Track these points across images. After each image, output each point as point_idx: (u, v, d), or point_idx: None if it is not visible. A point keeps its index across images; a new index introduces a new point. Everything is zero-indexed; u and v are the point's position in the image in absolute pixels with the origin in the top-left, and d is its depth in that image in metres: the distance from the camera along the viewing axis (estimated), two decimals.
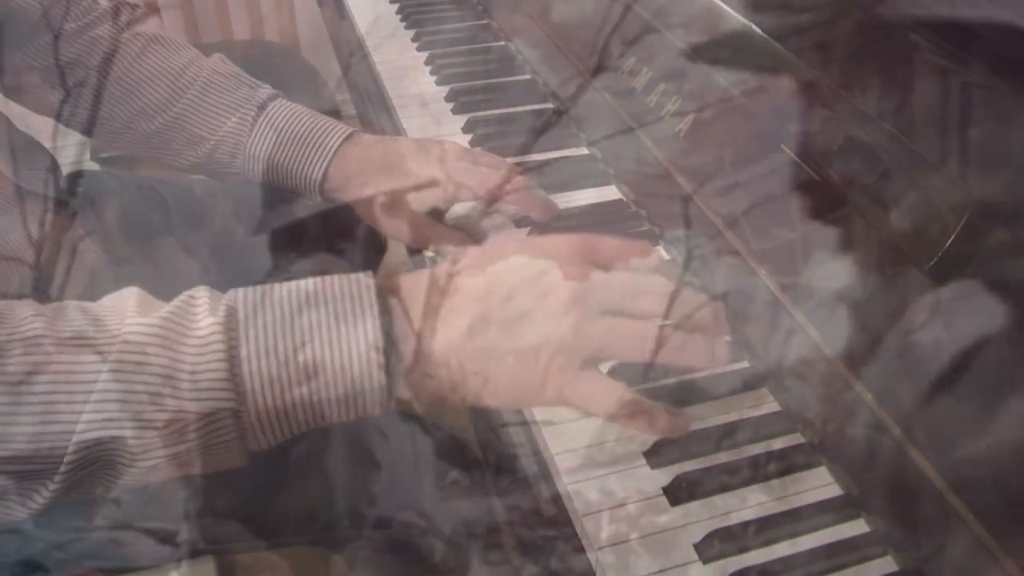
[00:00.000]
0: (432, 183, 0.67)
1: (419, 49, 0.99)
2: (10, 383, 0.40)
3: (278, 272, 0.85)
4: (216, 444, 0.44)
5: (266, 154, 0.71)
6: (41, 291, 0.64)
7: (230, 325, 0.43)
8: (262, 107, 0.72)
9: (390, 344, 0.44)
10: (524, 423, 0.57)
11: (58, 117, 0.75)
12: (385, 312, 0.44)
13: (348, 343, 0.43)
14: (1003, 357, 0.44)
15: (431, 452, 0.73)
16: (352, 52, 1.02)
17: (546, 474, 0.54)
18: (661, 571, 0.47)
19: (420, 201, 0.68)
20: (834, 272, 0.54)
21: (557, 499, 0.52)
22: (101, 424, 0.41)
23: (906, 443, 0.47)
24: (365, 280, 0.46)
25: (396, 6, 1.09)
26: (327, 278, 0.46)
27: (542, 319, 0.45)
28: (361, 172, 0.70)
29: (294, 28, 1.75)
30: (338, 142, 0.70)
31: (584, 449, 0.53)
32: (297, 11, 1.74)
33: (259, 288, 0.45)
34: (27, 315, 0.42)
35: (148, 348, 0.42)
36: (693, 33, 0.71)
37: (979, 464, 0.44)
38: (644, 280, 0.48)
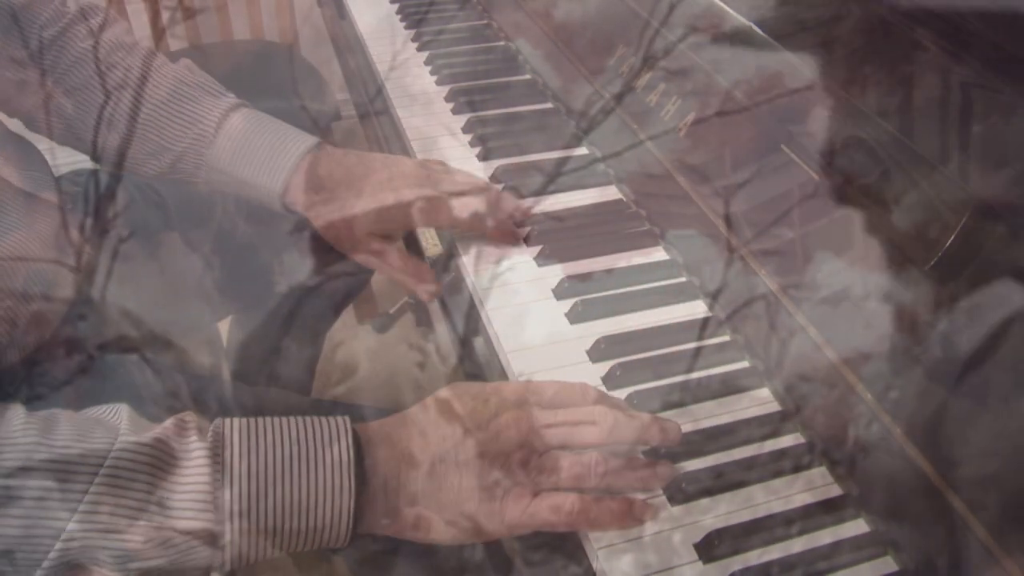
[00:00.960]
0: (396, 206, 0.66)
1: (419, 49, 0.99)
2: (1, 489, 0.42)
3: (279, 271, 0.85)
4: (189, 561, 0.46)
5: (227, 166, 0.70)
6: (44, 289, 0.64)
7: (216, 450, 0.46)
8: (224, 117, 0.70)
9: (360, 487, 0.48)
10: None
11: (28, 123, 0.74)
12: (358, 456, 0.48)
13: (321, 483, 0.47)
14: (1003, 357, 0.44)
15: None
16: (352, 52, 1.02)
17: None
18: (661, 571, 0.47)
19: (383, 222, 0.67)
20: (834, 272, 0.54)
21: None
22: (84, 535, 0.43)
23: (906, 443, 0.47)
24: (343, 425, 0.49)
25: (396, 6, 1.09)
26: (309, 419, 0.50)
27: (494, 459, 0.49)
28: (323, 186, 0.68)
29: (294, 28, 1.75)
30: (300, 153, 0.68)
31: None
32: (297, 11, 1.74)
33: (245, 420, 0.48)
34: (19, 423, 0.45)
35: (139, 466, 0.44)
36: (693, 33, 0.71)
37: (979, 464, 0.44)
38: (583, 415, 0.51)
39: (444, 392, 0.53)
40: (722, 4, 0.69)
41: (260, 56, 1.68)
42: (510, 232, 0.69)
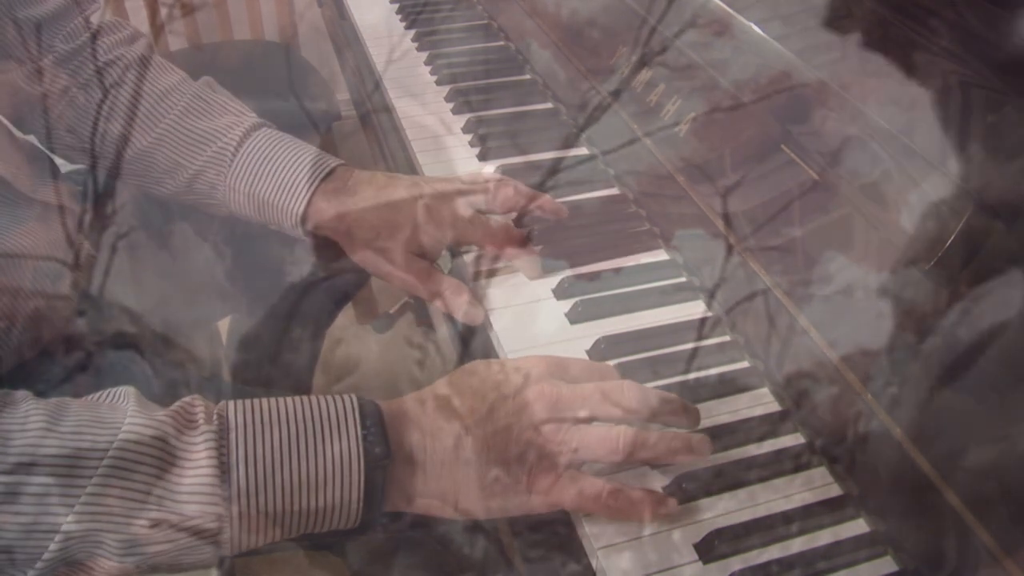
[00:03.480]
0: (423, 231, 0.64)
1: (419, 49, 0.99)
2: (7, 473, 0.42)
3: (278, 270, 0.85)
4: (196, 546, 0.45)
5: (246, 186, 0.68)
6: (48, 287, 0.64)
7: (222, 434, 0.46)
8: (245, 136, 0.69)
9: (370, 463, 0.47)
10: None
11: (43, 140, 0.73)
12: (366, 431, 0.47)
13: (329, 461, 0.46)
14: (1004, 357, 0.44)
15: None
16: (352, 52, 1.02)
17: None
18: (661, 571, 0.47)
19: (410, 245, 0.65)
20: (834, 272, 0.54)
21: None
22: (91, 518, 0.43)
23: (906, 443, 0.47)
24: (349, 402, 0.49)
25: (396, 6, 1.09)
26: (313, 397, 0.49)
27: (521, 432, 0.48)
28: (347, 210, 0.65)
29: (294, 28, 1.75)
30: (322, 175, 0.66)
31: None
32: (297, 11, 1.74)
33: (249, 402, 0.48)
34: (28, 408, 0.44)
35: (145, 453, 0.44)
36: (693, 33, 0.71)
37: (979, 463, 0.44)
38: (611, 387, 0.51)
39: (469, 366, 0.52)
40: (722, 4, 0.69)
41: (260, 56, 1.68)
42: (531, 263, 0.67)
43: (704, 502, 0.50)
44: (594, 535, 0.49)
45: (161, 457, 0.44)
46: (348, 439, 0.47)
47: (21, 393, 0.46)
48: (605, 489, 0.48)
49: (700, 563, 0.47)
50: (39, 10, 0.69)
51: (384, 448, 0.47)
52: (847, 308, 0.53)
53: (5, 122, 0.70)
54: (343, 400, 0.49)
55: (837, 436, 0.52)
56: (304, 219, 0.67)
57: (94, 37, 0.71)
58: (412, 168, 0.80)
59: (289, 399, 0.48)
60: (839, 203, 0.55)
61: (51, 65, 0.70)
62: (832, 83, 0.57)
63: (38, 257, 0.64)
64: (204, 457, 0.45)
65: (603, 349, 0.59)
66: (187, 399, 0.48)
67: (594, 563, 0.48)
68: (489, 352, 0.62)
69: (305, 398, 0.49)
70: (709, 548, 0.48)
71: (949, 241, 0.47)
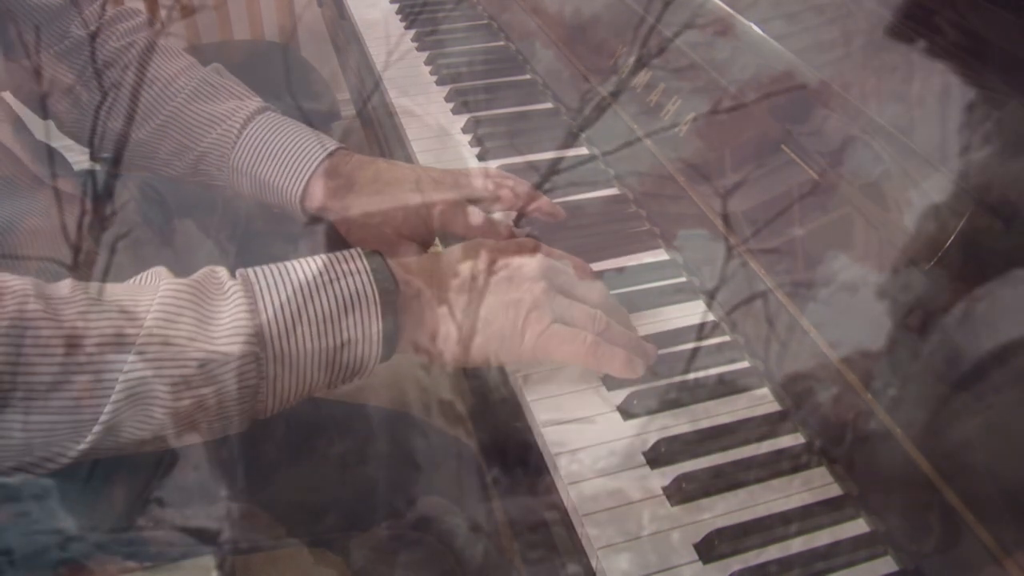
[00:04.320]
0: (417, 217, 0.66)
1: (419, 49, 0.99)
2: (68, 342, 0.45)
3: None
4: (238, 390, 0.49)
5: (249, 167, 0.70)
6: (51, 280, 0.65)
7: (248, 287, 0.50)
8: (249, 119, 0.71)
9: (388, 300, 0.51)
10: (527, 425, 0.57)
11: (60, 124, 0.76)
12: (375, 270, 0.52)
13: (346, 295, 0.50)
14: (1004, 357, 0.44)
15: (433, 453, 0.74)
16: (352, 52, 1.02)
17: (547, 475, 0.54)
18: (661, 571, 0.47)
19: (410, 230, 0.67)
20: (834, 272, 0.54)
21: (557, 500, 0.52)
22: (145, 365, 0.46)
23: (906, 442, 0.47)
24: (355, 251, 0.53)
25: (396, 6, 1.09)
26: (324, 255, 0.53)
27: (519, 282, 0.55)
28: (345, 192, 0.68)
29: (294, 28, 1.75)
30: (321, 157, 0.68)
31: (585, 450, 0.53)
32: (297, 11, 1.74)
33: (266, 267, 0.52)
34: (67, 286, 0.48)
35: (183, 302, 0.48)
36: (694, 33, 0.71)
37: (979, 463, 0.44)
38: (589, 284, 0.59)
39: (474, 241, 0.57)
40: (722, 4, 0.69)
41: (260, 56, 1.68)
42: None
43: (704, 502, 0.50)
44: (594, 535, 0.49)
45: (198, 307, 0.48)
46: (360, 277, 0.51)
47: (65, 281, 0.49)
48: (589, 339, 0.54)
49: (700, 563, 0.47)
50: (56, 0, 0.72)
51: (392, 283, 0.52)
52: (847, 308, 0.53)
53: (16, 111, 0.72)
54: (349, 252, 0.53)
55: (837, 436, 0.52)
56: (303, 200, 0.68)
57: (108, 24, 0.74)
58: None
59: (297, 261, 0.52)
60: (839, 203, 0.55)
61: (66, 51, 0.72)
62: (832, 83, 0.58)
63: (40, 258, 0.64)
64: (236, 304, 0.49)
65: None
66: (207, 268, 0.51)
67: (594, 563, 0.48)
68: None
69: (313, 257, 0.52)
70: (709, 548, 0.48)
71: (949, 241, 0.47)
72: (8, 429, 0.44)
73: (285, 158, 0.69)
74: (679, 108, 0.70)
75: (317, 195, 0.68)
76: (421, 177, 0.68)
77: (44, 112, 0.75)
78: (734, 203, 0.63)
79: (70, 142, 0.78)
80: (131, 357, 0.46)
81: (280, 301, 0.49)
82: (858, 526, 0.50)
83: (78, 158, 0.78)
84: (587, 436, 0.54)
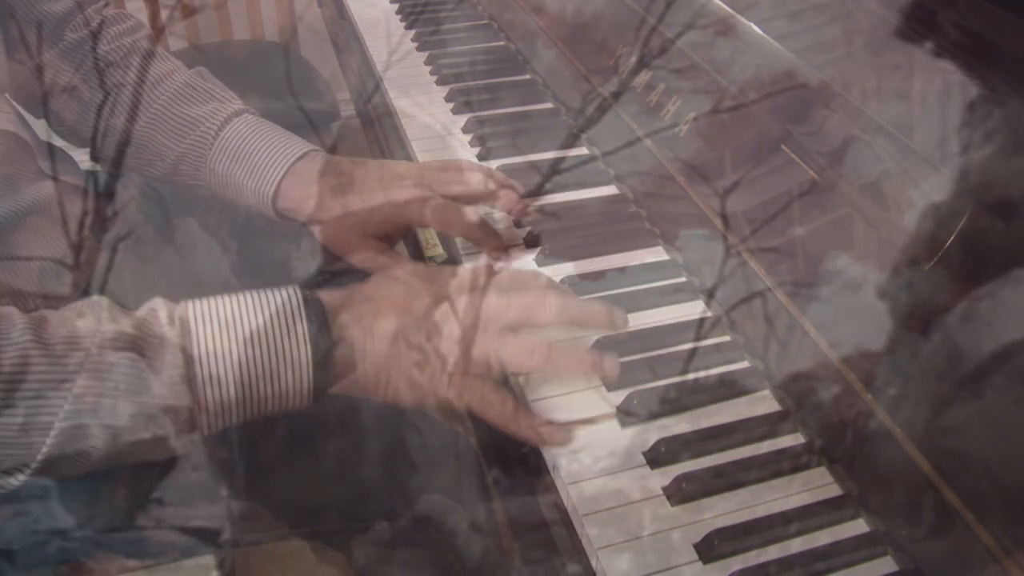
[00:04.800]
0: (387, 207, 0.67)
1: (419, 49, 0.99)
2: (5, 383, 0.47)
3: (276, 271, 0.85)
4: (170, 434, 0.50)
5: (224, 168, 0.71)
6: (52, 281, 0.66)
7: (185, 332, 0.50)
8: (226, 121, 0.72)
9: (319, 350, 0.52)
10: None
11: (52, 124, 0.77)
12: (313, 321, 0.52)
13: (282, 353, 0.51)
14: (1004, 356, 0.44)
15: (433, 453, 0.74)
16: (352, 52, 1.02)
17: (547, 475, 0.54)
18: (661, 571, 0.47)
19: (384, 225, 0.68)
20: (833, 272, 0.54)
21: (558, 500, 0.52)
22: (78, 414, 0.47)
23: (906, 442, 0.47)
24: (295, 293, 0.53)
25: (396, 6, 1.09)
26: (261, 293, 0.53)
27: (446, 337, 0.54)
28: (316, 192, 0.69)
29: (294, 28, 1.75)
30: (293, 158, 0.69)
31: (585, 450, 0.53)
32: (297, 11, 1.74)
33: (207, 300, 0.53)
34: (20, 324, 0.48)
35: (121, 351, 0.49)
36: (693, 33, 0.71)
37: (979, 463, 0.44)
38: (533, 303, 0.56)
39: (408, 266, 0.57)
40: (722, 4, 0.69)
41: (260, 56, 1.68)
42: (496, 245, 0.69)
43: (704, 502, 0.50)
44: (594, 535, 0.49)
45: (134, 356, 0.49)
46: (297, 335, 0.52)
47: (7, 310, 0.50)
48: (503, 400, 0.54)
49: (700, 563, 0.47)
50: (57, 6, 0.73)
51: (327, 340, 0.52)
52: (847, 308, 0.53)
53: (19, 110, 0.72)
54: (290, 297, 0.53)
55: (837, 436, 0.52)
56: (275, 201, 0.70)
57: (100, 27, 0.75)
58: None
59: (241, 293, 0.53)
60: (839, 203, 0.55)
61: (62, 54, 0.74)
62: (832, 83, 0.58)
63: (43, 258, 0.65)
64: (171, 355, 0.50)
65: (603, 349, 0.59)
66: (150, 304, 0.52)
67: (594, 563, 0.48)
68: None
69: (252, 294, 0.53)
70: (709, 548, 0.48)
71: (949, 241, 0.47)
72: None
73: (258, 161, 0.70)
74: (679, 108, 0.70)
75: (286, 197, 0.70)
76: (386, 174, 0.69)
77: (42, 112, 0.76)
78: (734, 203, 0.63)
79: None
80: (67, 406, 0.47)
81: (217, 351, 0.51)
82: (858, 526, 0.50)
83: (80, 157, 0.79)
84: (587, 436, 0.54)
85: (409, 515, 0.71)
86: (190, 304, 0.52)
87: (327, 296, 0.54)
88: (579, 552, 0.50)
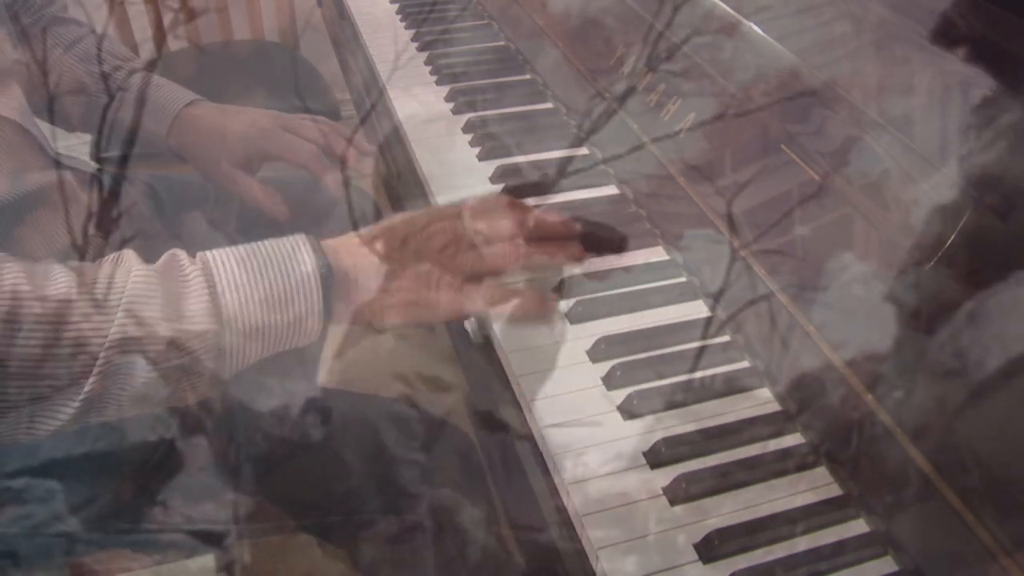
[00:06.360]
0: (241, 144, 0.81)
1: (419, 49, 0.99)
2: (54, 312, 0.51)
3: None
4: (201, 360, 0.54)
5: (149, 123, 0.83)
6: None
7: (207, 270, 0.56)
8: (128, 75, 0.83)
9: (326, 283, 0.57)
10: (526, 424, 0.57)
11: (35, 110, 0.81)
12: (316, 250, 0.58)
13: (294, 281, 0.56)
14: (1004, 357, 0.44)
15: (437, 449, 0.74)
16: (352, 52, 1.02)
17: (547, 475, 0.54)
18: (661, 571, 0.47)
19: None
20: (834, 272, 0.54)
21: (558, 500, 0.52)
22: (120, 343, 0.51)
23: (906, 442, 0.47)
24: (300, 235, 0.59)
25: (396, 6, 1.09)
26: (272, 241, 0.59)
27: (428, 255, 0.60)
28: (195, 130, 0.82)
29: (294, 28, 1.75)
30: (181, 104, 0.83)
31: (585, 450, 0.53)
32: (297, 11, 1.74)
33: (223, 251, 0.58)
34: (59, 268, 0.53)
35: (152, 287, 0.54)
36: (694, 34, 0.71)
37: (979, 464, 0.44)
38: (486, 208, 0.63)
39: (395, 216, 0.63)
40: (723, 5, 0.69)
41: (260, 56, 1.68)
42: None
43: (704, 502, 0.50)
44: (595, 536, 0.49)
45: (167, 290, 0.54)
46: (304, 263, 0.57)
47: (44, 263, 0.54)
48: (500, 294, 0.60)
49: (700, 563, 0.47)
50: None
51: (329, 271, 0.58)
52: (847, 307, 0.53)
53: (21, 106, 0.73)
54: (295, 238, 0.59)
55: (837, 436, 0.52)
56: (167, 140, 0.83)
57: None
58: (412, 168, 0.80)
59: (252, 244, 0.58)
60: (839, 203, 0.55)
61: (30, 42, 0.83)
62: (832, 84, 0.58)
63: (47, 251, 0.65)
64: (199, 289, 0.55)
65: (603, 349, 0.59)
66: (170, 253, 0.57)
67: (595, 563, 0.49)
68: (491, 357, 0.62)
69: (265, 242, 0.58)
70: (709, 548, 0.48)
71: (949, 241, 0.47)
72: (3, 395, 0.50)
73: (160, 108, 0.83)
74: (679, 108, 0.70)
75: (175, 136, 0.83)
76: (247, 112, 0.84)
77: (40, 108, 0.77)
78: (734, 203, 0.63)
79: (73, 141, 0.80)
80: (111, 334, 0.51)
81: (236, 282, 0.56)
82: (858, 526, 0.50)
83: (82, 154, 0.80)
84: (588, 436, 0.54)
85: (412, 511, 0.71)
86: (206, 252, 0.57)
87: (325, 241, 0.61)
88: (580, 552, 0.50)
